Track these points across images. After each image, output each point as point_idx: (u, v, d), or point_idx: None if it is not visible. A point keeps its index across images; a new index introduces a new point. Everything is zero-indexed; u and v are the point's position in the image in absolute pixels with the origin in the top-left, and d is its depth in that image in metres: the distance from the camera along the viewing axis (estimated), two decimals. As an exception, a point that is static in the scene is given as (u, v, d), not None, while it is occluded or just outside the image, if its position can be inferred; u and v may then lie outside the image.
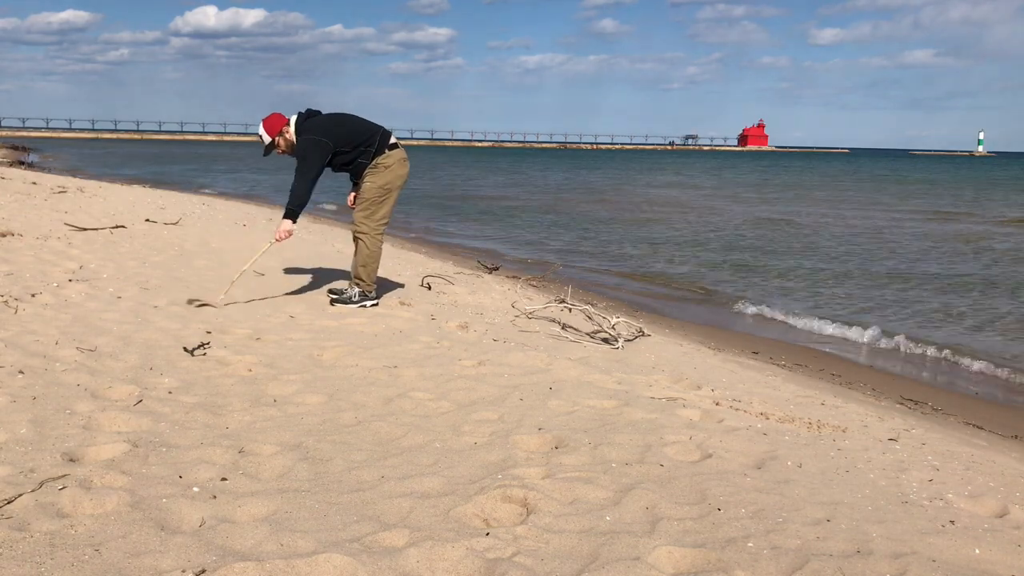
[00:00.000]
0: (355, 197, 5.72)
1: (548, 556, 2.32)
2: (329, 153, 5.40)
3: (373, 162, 5.55)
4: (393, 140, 5.65)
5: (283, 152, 5.51)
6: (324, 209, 16.79)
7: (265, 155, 5.63)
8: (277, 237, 5.40)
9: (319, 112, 5.59)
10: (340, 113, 5.69)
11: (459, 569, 2.24)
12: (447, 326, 5.36)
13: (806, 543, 2.46)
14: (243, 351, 4.37)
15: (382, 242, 5.70)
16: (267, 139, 5.46)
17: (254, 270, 6.68)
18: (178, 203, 13.17)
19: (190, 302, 5.41)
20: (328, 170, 5.57)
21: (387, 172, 5.57)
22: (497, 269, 9.73)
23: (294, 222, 5.36)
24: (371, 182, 5.56)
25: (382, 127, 5.67)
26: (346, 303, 5.61)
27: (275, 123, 5.46)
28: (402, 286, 6.61)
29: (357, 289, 5.66)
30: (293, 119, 5.48)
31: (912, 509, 2.80)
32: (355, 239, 5.65)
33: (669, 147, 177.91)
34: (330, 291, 5.68)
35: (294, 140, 5.44)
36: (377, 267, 5.69)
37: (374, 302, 5.71)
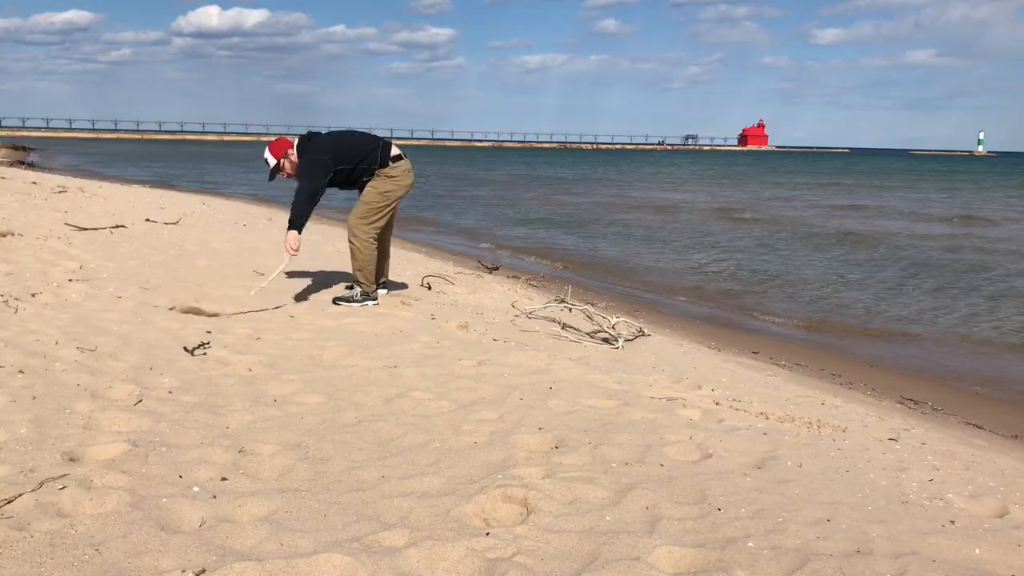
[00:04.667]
0: None
1: (548, 556, 2.32)
2: (330, 171, 5.48)
3: (378, 172, 5.64)
4: (396, 152, 5.71)
5: (288, 175, 5.62)
6: (325, 209, 16.74)
7: (271, 180, 5.76)
8: (288, 251, 5.44)
9: (319, 133, 5.71)
10: (340, 131, 5.82)
11: (459, 569, 2.24)
12: (447, 326, 5.36)
13: (806, 543, 2.46)
14: (243, 351, 4.37)
15: (375, 246, 5.70)
16: (272, 162, 5.58)
17: (254, 270, 6.69)
18: (178, 203, 13.16)
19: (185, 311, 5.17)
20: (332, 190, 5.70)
21: (390, 181, 5.67)
22: (497, 269, 9.72)
23: (299, 233, 5.41)
24: (373, 187, 5.66)
25: (382, 139, 5.76)
26: (347, 301, 5.70)
27: (281, 145, 5.59)
28: (402, 286, 6.60)
29: (358, 289, 5.75)
30: (295, 142, 5.59)
31: (912, 509, 2.80)
32: (348, 243, 5.73)
33: (660, 147, 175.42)
34: (335, 299, 5.79)
35: (297, 162, 5.54)
36: (373, 268, 5.73)
37: (375, 301, 5.78)
